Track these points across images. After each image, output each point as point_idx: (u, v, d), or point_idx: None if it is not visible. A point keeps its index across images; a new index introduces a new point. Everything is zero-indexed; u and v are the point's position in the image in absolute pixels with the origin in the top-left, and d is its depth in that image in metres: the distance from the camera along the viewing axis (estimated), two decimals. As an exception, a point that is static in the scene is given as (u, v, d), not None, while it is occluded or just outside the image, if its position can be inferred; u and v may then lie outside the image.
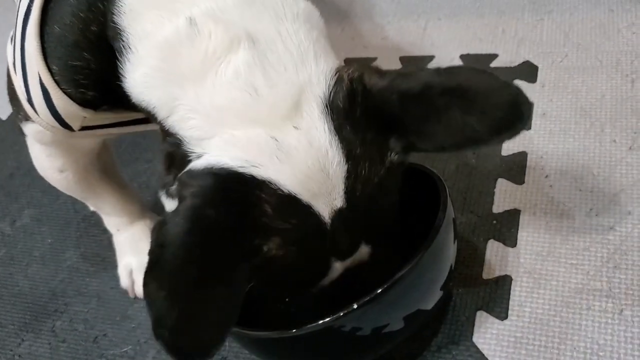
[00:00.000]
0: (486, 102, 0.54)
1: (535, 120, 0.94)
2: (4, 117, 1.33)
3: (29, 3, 0.64)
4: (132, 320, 0.88)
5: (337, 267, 0.62)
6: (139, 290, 0.89)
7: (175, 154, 0.60)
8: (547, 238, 0.80)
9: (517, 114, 0.54)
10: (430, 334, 0.75)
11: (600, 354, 0.68)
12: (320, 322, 0.64)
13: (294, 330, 0.66)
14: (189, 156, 0.58)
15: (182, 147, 0.59)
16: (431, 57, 1.11)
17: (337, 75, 0.58)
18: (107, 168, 0.90)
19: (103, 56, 0.62)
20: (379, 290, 0.62)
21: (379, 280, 0.63)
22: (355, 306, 0.62)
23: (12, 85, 0.70)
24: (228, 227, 0.55)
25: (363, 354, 0.70)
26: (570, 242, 0.78)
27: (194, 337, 0.53)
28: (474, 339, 0.73)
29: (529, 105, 0.54)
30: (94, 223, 1.03)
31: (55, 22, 0.63)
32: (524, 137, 0.92)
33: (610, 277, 0.74)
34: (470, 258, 0.80)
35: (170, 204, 0.60)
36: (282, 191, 0.55)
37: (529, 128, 0.93)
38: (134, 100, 0.62)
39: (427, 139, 0.58)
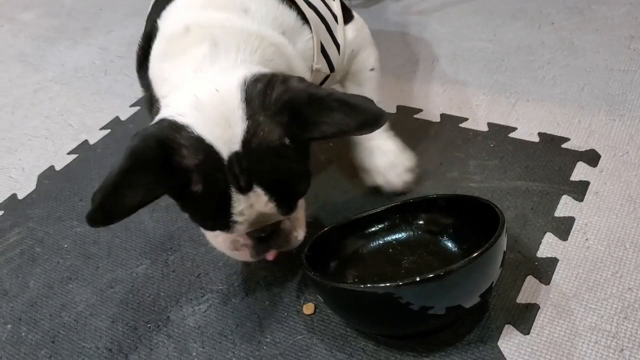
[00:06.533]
0: (361, 112, 0.79)
1: (588, 195, 1.12)
2: (123, 119, 1.61)
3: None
4: (231, 268, 1.10)
5: (240, 198, 0.81)
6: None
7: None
8: (575, 284, 0.97)
9: (375, 122, 0.80)
10: (465, 330, 0.93)
11: (597, 376, 0.85)
12: (382, 285, 0.83)
13: (361, 286, 0.86)
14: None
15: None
16: (514, 129, 1.31)
17: (263, 73, 0.83)
18: None
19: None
20: (441, 272, 0.81)
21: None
22: (417, 279, 0.82)
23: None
24: (157, 160, 0.77)
25: (407, 324, 0.89)
26: (594, 291, 0.96)
27: (108, 210, 0.76)
28: (499, 343, 0.91)
29: (384, 122, 0.80)
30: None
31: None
32: (576, 206, 1.10)
33: (619, 323, 0.91)
34: (510, 284, 0.98)
35: None
36: (193, 133, 0.78)
37: (581, 200, 1.11)
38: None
39: (316, 128, 0.80)
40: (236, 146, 0.78)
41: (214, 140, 0.78)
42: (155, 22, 0.93)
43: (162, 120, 0.80)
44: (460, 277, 0.83)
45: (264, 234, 0.88)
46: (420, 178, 1.21)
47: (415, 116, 1.40)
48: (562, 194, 1.13)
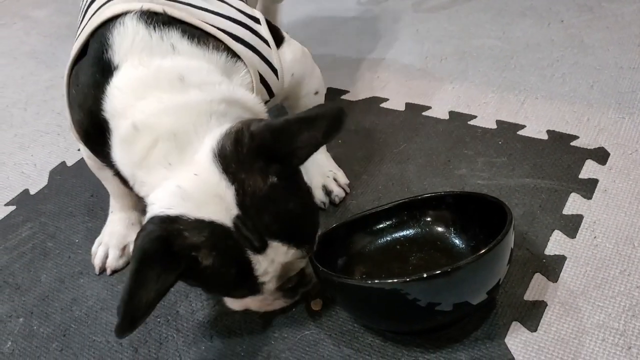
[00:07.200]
0: (320, 120, 0.80)
1: (597, 193, 1.12)
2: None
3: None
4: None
5: (260, 259, 0.82)
6: (111, 264, 1.16)
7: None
8: (583, 282, 0.97)
9: (338, 122, 0.80)
10: (472, 327, 0.93)
11: (604, 374, 0.85)
12: (389, 281, 0.84)
13: (369, 282, 0.87)
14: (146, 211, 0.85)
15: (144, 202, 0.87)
16: (522, 126, 1.31)
17: (227, 131, 0.83)
18: None
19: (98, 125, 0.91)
20: (448, 269, 0.81)
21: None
22: (425, 275, 0.82)
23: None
24: (160, 253, 0.78)
25: (414, 321, 0.89)
26: (602, 289, 0.96)
27: (131, 316, 0.77)
28: (506, 340, 0.91)
29: (345, 116, 0.80)
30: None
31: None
32: (584, 204, 1.10)
33: (627, 321, 0.91)
34: (517, 281, 0.99)
35: None
36: (190, 219, 0.79)
37: (589, 197, 1.11)
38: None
39: (293, 156, 0.82)
40: (235, 211, 0.80)
41: (213, 216, 0.80)
42: (100, 113, 0.90)
43: (153, 218, 0.81)
44: (468, 273, 0.83)
45: (292, 284, 0.90)
46: (429, 175, 1.21)
47: (423, 113, 1.41)
48: (571, 192, 1.13)
